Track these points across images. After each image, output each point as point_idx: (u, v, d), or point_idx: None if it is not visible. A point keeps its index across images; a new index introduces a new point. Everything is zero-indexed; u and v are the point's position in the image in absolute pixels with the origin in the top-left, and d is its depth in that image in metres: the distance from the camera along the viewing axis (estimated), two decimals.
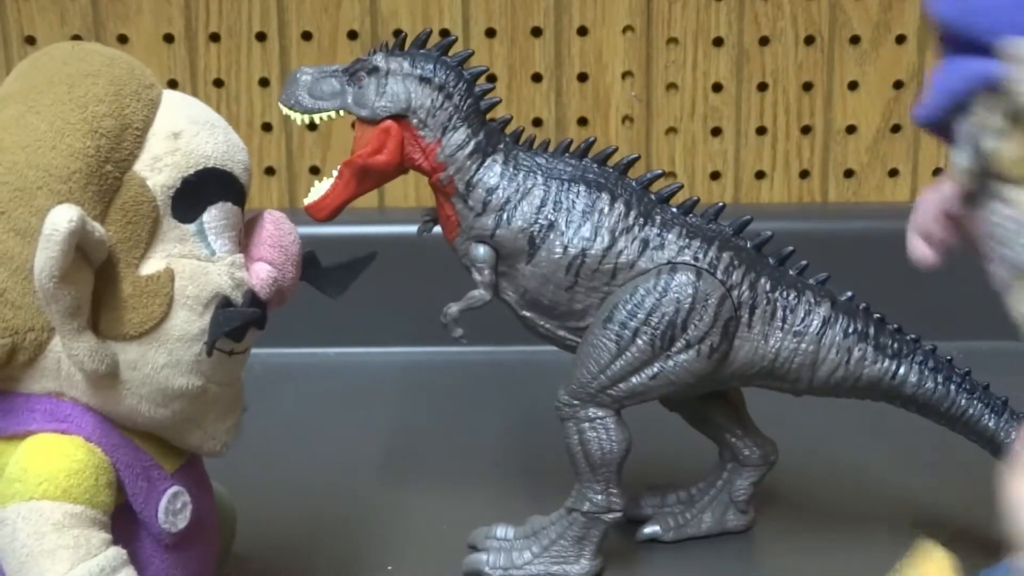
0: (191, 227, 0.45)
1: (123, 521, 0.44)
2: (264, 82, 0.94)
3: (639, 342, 0.58)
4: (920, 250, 0.49)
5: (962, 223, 0.46)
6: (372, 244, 0.90)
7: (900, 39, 0.93)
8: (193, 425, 0.47)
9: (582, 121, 0.95)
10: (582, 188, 0.59)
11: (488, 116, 0.61)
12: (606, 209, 0.59)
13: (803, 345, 0.59)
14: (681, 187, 0.61)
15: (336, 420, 0.81)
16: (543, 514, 0.62)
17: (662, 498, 0.66)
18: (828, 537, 0.64)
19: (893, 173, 0.95)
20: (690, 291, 0.57)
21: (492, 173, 0.59)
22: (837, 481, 0.71)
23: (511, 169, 0.60)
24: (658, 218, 0.59)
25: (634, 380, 0.58)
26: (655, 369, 0.58)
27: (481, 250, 0.60)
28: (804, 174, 0.95)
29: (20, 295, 0.42)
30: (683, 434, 0.65)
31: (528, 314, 0.61)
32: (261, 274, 0.48)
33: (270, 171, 0.95)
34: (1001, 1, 0.41)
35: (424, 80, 0.59)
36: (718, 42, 0.93)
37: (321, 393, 0.84)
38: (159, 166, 0.45)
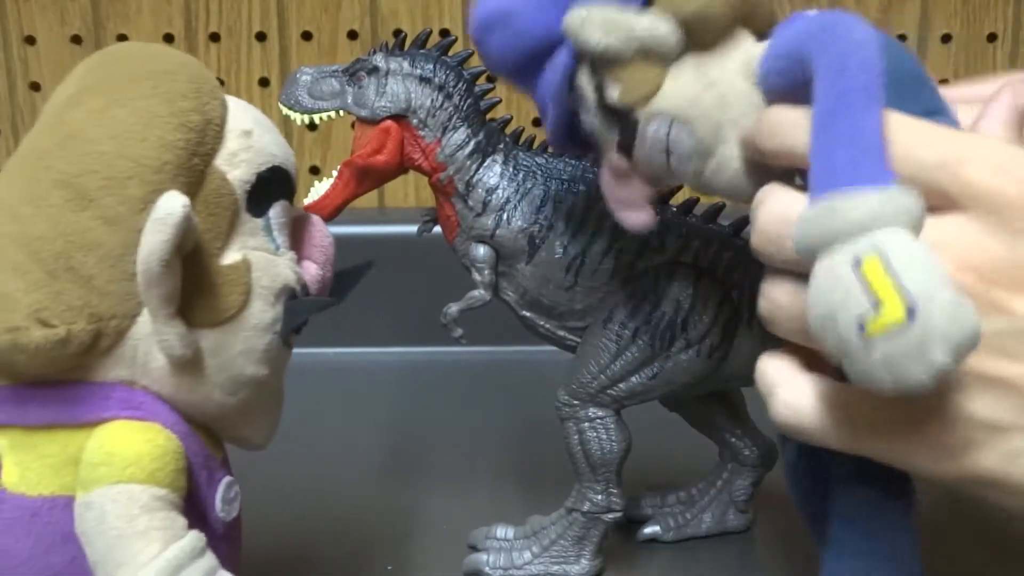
0: (260, 221, 0.47)
1: (187, 513, 0.45)
2: (264, 82, 0.94)
3: (639, 342, 0.58)
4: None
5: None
6: (372, 244, 0.91)
7: (900, 39, 0.93)
8: (249, 416, 0.49)
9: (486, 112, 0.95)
10: (582, 188, 0.59)
11: (488, 116, 0.61)
12: (606, 210, 0.58)
13: None
14: (680, 187, 0.61)
15: (336, 420, 0.81)
16: (543, 514, 0.62)
17: (662, 498, 0.66)
18: None
19: None
20: (690, 291, 0.57)
21: (492, 173, 0.60)
22: None
23: (511, 169, 0.60)
24: (657, 219, 0.59)
25: (634, 380, 0.58)
26: (655, 369, 0.58)
27: (481, 250, 0.60)
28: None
29: (106, 282, 0.43)
30: (684, 434, 0.65)
31: (528, 314, 0.60)
32: (312, 271, 0.50)
33: None
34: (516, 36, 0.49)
35: (424, 80, 0.60)
36: None
37: (321, 393, 0.84)
38: (236, 161, 0.46)
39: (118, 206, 0.43)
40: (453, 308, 0.61)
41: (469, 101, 0.60)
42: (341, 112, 0.61)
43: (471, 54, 0.61)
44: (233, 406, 0.47)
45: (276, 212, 0.48)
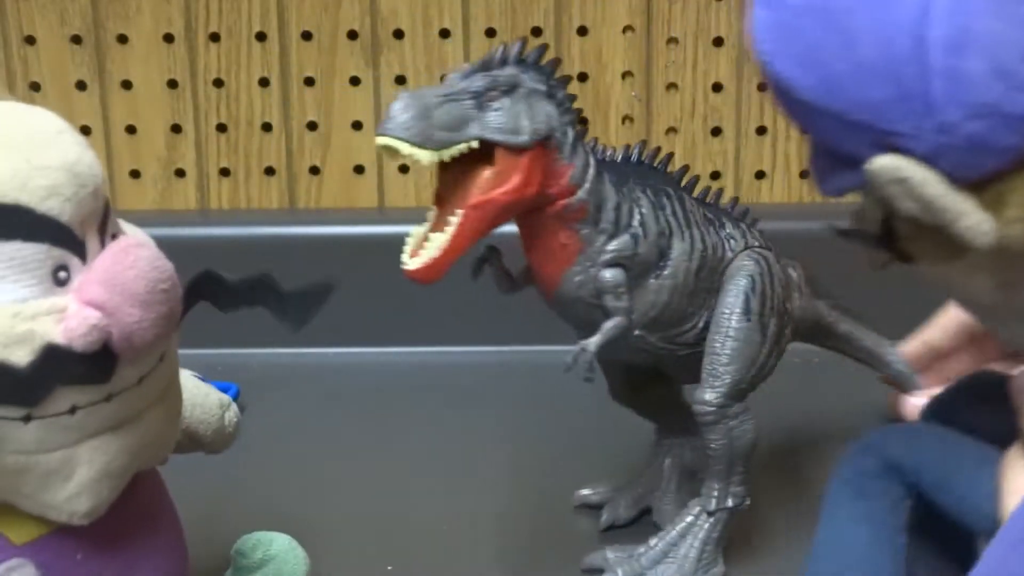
0: None
1: None
2: (264, 82, 0.94)
3: (772, 326, 0.59)
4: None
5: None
6: (372, 244, 0.91)
7: None
8: (15, 495, 0.42)
9: (582, 121, 0.94)
10: (670, 190, 0.58)
11: None
12: (693, 208, 0.59)
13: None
14: (698, 177, 0.62)
15: (335, 420, 0.81)
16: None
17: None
18: None
19: None
20: (779, 270, 0.60)
21: (610, 189, 0.55)
22: None
23: (615, 181, 0.56)
24: (704, 210, 0.60)
25: (769, 364, 0.59)
26: (779, 349, 0.60)
27: (615, 273, 0.55)
28: (804, 174, 0.95)
29: None
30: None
31: (641, 332, 0.57)
32: (71, 322, 0.40)
33: (270, 171, 0.95)
34: (862, 69, 0.37)
35: (550, 96, 0.54)
36: (718, 42, 0.93)
37: (321, 393, 0.84)
38: None
39: None
40: (592, 345, 0.54)
41: (575, 115, 0.55)
42: (474, 143, 0.50)
43: (560, 61, 0.56)
44: None
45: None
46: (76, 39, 0.93)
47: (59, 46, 0.93)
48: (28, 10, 0.92)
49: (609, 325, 0.55)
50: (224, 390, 0.80)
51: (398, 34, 0.93)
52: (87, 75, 0.93)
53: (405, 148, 0.48)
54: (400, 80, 0.93)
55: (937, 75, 0.35)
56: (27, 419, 0.40)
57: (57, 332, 0.39)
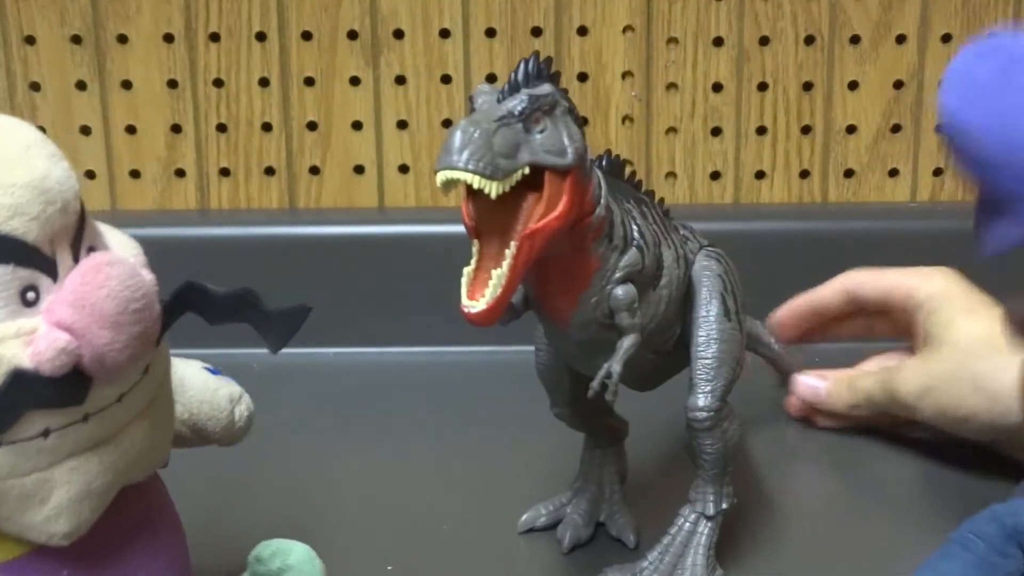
0: None
1: None
2: (264, 82, 0.94)
3: (744, 322, 0.59)
4: None
5: None
6: (372, 244, 0.91)
7: (900, 39, 0.93)
8: (17, 513, 0.41)
9: (582, 121, 0.95)
10: (644, 198, 0.57)
11: None
12: (657, 215, 0.57)
13: None
14: (641, 181, 0.59)
15: (335, 420, 0.81)
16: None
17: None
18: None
19: (893, 173, 0.95)
20: (732, 266, 0.59)
21: (610, 203, 0.52)
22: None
23: (611, 194, 0.53)
24: (655, 213, 0.58)
25: (747, 359, 0.60)
26: (744, 342, 0.59)
27: (627, 290, 0.52)
28: (804, 174, 0.95)
29: None
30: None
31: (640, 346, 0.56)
32: (39, 345, 0.38)
33: (270, 171, 0.95)
34: None
35: (571, 111, 0.51)
36: (718, 42, 0.93)
37: (320, 393, 0.84)
38: None
39: None
40: (617, 367, 0.52)
41: (581, 129, 0.51)
42: (526, 170, 0.47)
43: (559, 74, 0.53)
44: None
45: None
46: (76, 39, 0.93)
47: (59, 46, 0.93)
48: (28, 10, 0.92)
49: (627, 344, 0.52)
50: None
51: (398, 34, 0.93)
52: (87, 75, 0.93)
53: (476, 181, 0.45)
54: (400, 80, 0.93)
55: None
56: (44, 435, 0.39)
57: (25, 356, 0.38)
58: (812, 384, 0.76)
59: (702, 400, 0.56)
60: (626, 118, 0.94)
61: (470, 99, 0.49)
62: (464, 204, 0.48)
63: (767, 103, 0.94)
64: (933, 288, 0.71)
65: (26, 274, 0.39)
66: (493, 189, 0.45)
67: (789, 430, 0.78)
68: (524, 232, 0.47)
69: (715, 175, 0.95)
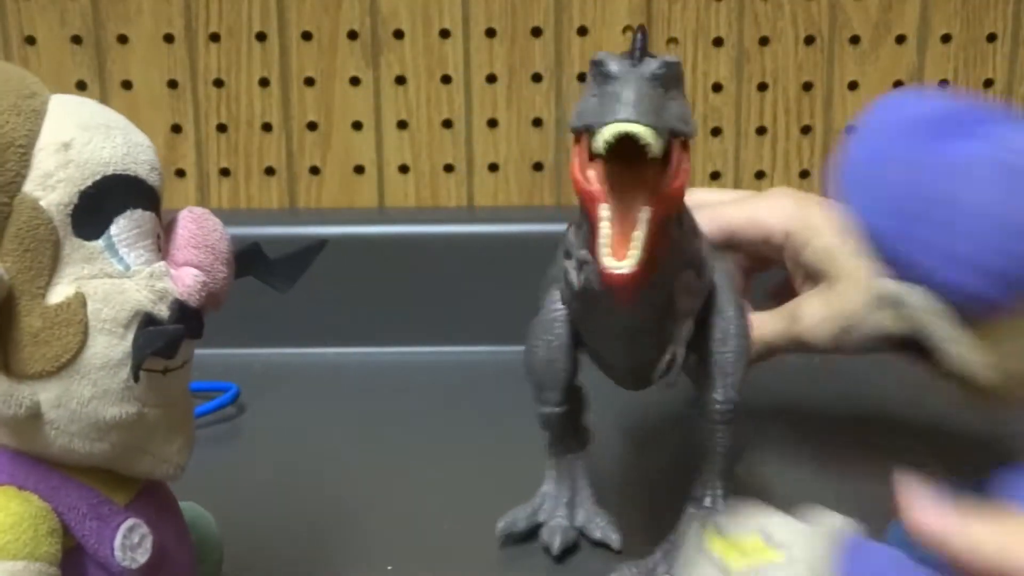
0: (99, 243, 0.42)
1: (78, 564, 0.42)
2: (264, 82, 0.94)
3: (747, 317, 0.58)
4: None
5: None
6: (372, 244, 0.91)
7: (900, 39, 0.93)
8: (139, 452, 0.44)
9: None
10: None
11: None
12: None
13: None
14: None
15: (335, 420, 0.81)
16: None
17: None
18: None
19: None
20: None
21: None
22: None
23: None
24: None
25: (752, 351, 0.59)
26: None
27: (689, 274, 0.53)
28: (804, 174, 0.95)
29: None
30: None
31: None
32: (187, 280, 0.44)
33: (270, 171, 0.95)
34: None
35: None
36: (718, 42, 0.93)
37: (320, 393, 0.84)
38: (52, 183, 0.41)
39: None
40: (681, 350, 0.53)
41: None
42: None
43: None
44: (106, 450, 0.43)
45: (121, 227, 0.42)
46: (76, 39, 0.93)
47: (59, 46, 0.93)
48: (28, 10, 0.92)
49: (685, 329, 0.53)
50: (224, 390, 0.80)
51: (398, 34, 0.93)
52: (87, 75, 0.93)
53: (650, 136, 0.44)
54: (400, 80, 0.93)
55: None
56: (165, 371, 0.43)
57: (176, 290, 0.43)
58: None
59: (722, 393, 0.56)
60: None
61: (596, 63, 0.47)
62: (580, 169, 0.47)
63: (767, 103, 0.94)
64: (790, 220, 0.67)
65: (158, 222, 0.45)
66: (659, 148, 0.45)
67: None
68: (657, 197, 0.46)
69: (715, 175, 0.95)
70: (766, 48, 0.93)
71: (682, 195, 0.49)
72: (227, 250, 0.46)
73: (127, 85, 0.94)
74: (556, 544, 0.62)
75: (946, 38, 0.93)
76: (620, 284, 0.45)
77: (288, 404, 0.82)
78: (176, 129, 0.95)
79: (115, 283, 0.42)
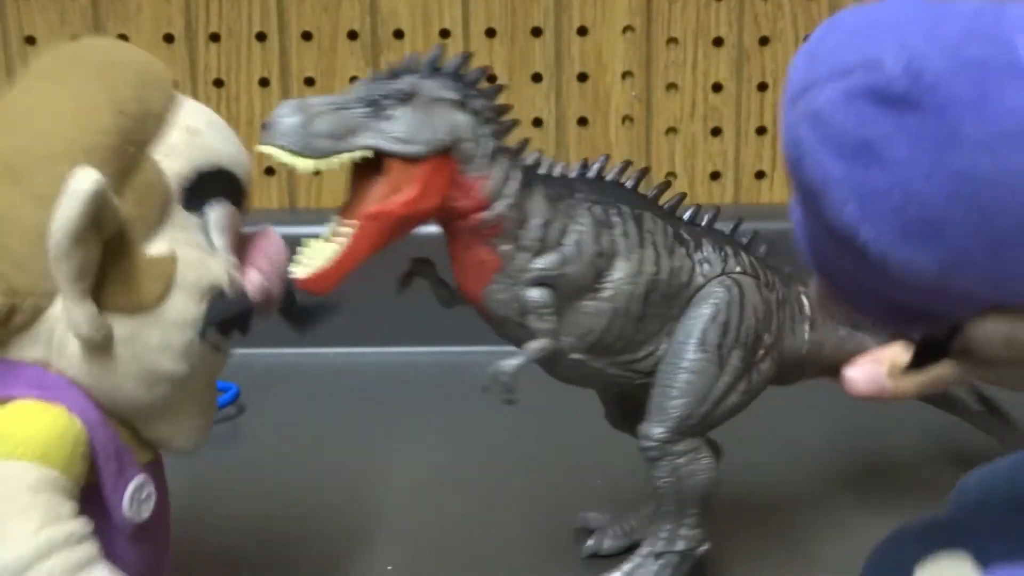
0: (196, 218, 0.47)
1: (87, 502, 0.44)
2: (264, 82, 0.94)
3: (733, 359, 0.55)
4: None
5: None
6: None
7: None
8: (169, 415, 0.48)
9: (582, 121, 0.95)
10: (624, 209, 0.55)
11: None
12: (654, 228, 0.55)
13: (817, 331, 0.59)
14: (685, 196, 0.59)
15: (335, 420, 0.81)
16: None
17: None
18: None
19: None
20: (759, 299, 0.56)
21: (540, 205, 0.52)
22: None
23: (552, 197, 0.53)
24: (684, 231, 0.56)
25: (731, 400, 0.55)
26: (745, 383, 0.55)
27: (540, 293, 0.52)
28: None
29: (27, 258, 0.43)
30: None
31: (580, 356, 0.54)
32: (254, 279, 0.49)
33: (270, 171, 0.95)
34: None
35: (461, 105, 0.51)
36: (718, 42, 0.93)
37: (321, 393, 0.84)
38: (175, 154, 0.46)
39: (48, 185, 0.43)
40: (509, 365, 0.52)
41: (500, 126, 0.52)
42: (370, 153, 0.49)
43: (485, 72, 0.54)
44: (148, 402, 0.46)
45: (216, 213, 0.47)
46: (76, 39, 0.93)
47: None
48: (28, 10, 0.92)
49: (533, 347, 0.52)
50: (224, 390, 0.80)
51: (398, 34, 0.93)
52: None
53: (285, 157, 0.49)
54: None
55: None
56: (216, 349, 0.48)
57: (244, 283, 0.48)
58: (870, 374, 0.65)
59: (652, 428, 0.54)
60: (626, 118, 0.94)
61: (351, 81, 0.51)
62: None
63: (767, 103, 0.94)
64: None
65: (239, 221, 0.49)
66: (300, 166, 0.49)
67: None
68: (363, 213, 0.50)
69: (715, 175, 0.95)
70: (766, 48, 0.93)
71: (406, 212, 0.50)
72: (285, 272, 0.50)
73: None
74: (585, 547, 0.62)
75: None
76: (300, 288, 0.50)
77: (288, 404, 0.82)
78: None
79: (201, 256, 0.46)
